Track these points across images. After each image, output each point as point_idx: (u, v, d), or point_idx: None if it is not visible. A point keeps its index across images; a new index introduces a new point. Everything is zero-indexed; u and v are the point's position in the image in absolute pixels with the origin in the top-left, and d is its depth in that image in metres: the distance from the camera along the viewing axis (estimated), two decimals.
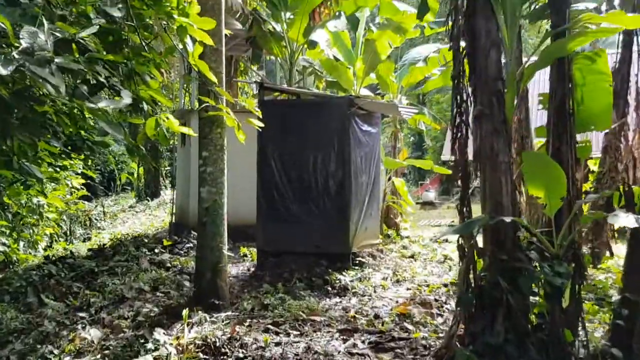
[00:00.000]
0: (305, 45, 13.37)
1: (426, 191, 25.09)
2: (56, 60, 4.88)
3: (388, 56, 13.48)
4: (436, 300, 7.09)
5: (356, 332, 6.02)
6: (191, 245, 10.98)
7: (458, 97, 5.56)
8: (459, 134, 5.59)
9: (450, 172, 16.28)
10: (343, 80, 13.41)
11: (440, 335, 5.79)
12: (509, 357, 4.58)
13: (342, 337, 5.87)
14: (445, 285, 7.88)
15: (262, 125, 6.67)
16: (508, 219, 4.77)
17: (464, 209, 5.54)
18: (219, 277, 6.94)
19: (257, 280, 8.49)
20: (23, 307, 7.82)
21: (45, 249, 14.09)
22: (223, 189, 7.15)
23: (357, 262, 8.84)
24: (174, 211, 14.28)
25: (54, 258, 10.90)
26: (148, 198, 24.20)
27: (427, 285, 8.00)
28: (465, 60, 5.50)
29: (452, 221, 20.04)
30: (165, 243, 10.58)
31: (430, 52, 14.00)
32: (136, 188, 26.78)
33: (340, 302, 7.40)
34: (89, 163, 16.82)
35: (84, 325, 6.46)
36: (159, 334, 5.90)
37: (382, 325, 6.23)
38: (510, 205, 5.14)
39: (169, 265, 9.30)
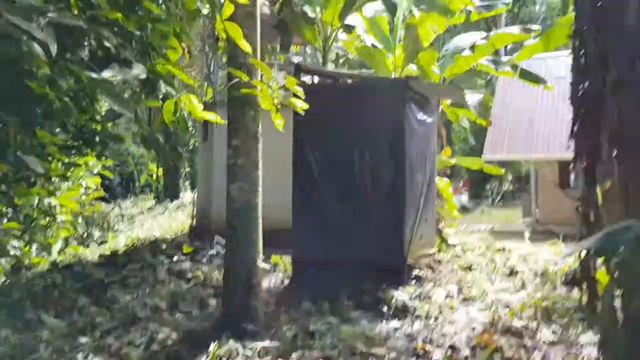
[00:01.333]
0: (341, 30, 11.94)
1: (459, 194, 23.46)
2: (49, 14, 3.51)
3: (431, 43, 11.98)
4: (525, 328, 5.58)
5: None
6: (214, 252, 9.58)
7: (582, 60, 4.08)
8: (583, 110, 4.11)
9: (501, 171, 14.76)
10: (380, 70, 11.91)
11: None
12: None
13: None
14: (529, 305, 6.34)
15: (305, 107, 5.30)
16: None
17: (590, 212, 4.07)
18: (253, 295, 5.52)
19: (293, 295, 7.04)
20: (21, 324, 6.50)
21: (59, 252, 12.92)
22: (257, 186, 5.74)
23: (413, 275, 7.34)
24: (195, 214, 12.95)
25: (60, 265, 9.59)
26: (167, 199, 23.01)
27: (506, 307, 6.47)
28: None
29: (492, 227, 18.48)
30: (185, 250, 9.18)
31: (478, 39, 12.46)
32: (155, 189, 25.64)
33: (401, 326, 5.92)
34: (105, 163, 15.65)
35: (85, 355, 5.10)
36: None
37: None
38: None
39: (189, 276, 7.91)
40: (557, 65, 18.36)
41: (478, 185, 30.55)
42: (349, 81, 7.89)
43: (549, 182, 16.91)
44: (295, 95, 5.43)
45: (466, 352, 5.14)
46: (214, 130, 11.67)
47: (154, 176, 26.00)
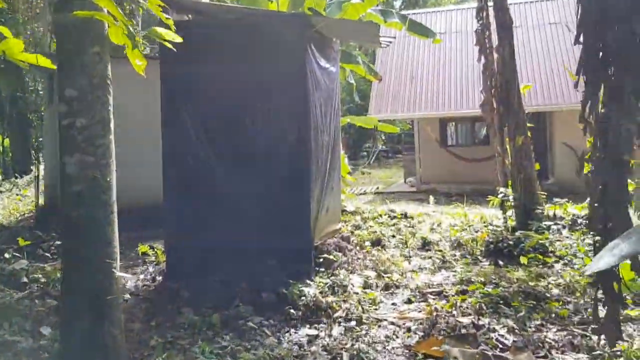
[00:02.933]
0: None
1: None
2: None
3: None
4: (474, 326, 4.28)
5: None
6: None
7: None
8: None
9: (397, 130, 13.67)
10: None
11: None
12: None
13: None
14: (464, 293, 5.08)
15: (178, 39, 3.55)
16: None
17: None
18: (109, 320, 3.63)
19: (169, 299, 5.21)
20: None
21: None
22: (108, 157, 3.79)
23: (321, 260, 5.81)
24: (44, 191, 10.41)
25: None
26: (16, 175, 19.46)
27: (437, 294, 5.16)
28: None
29: (377, 187, 17.60)
30: (22, 243, 6.85)
31: None
32: (1, 164, 21.77)
33: (317, 335, 4.38)
34: None
35: None
36: None
37: None
38: None
39: (25, 279, 5.72)
40: (438, 21, 17.65)
41: (351, 147, 29.91)
42: (234, 17, 5.99)
43: (432, 140, 16.25)
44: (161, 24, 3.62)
45: None
46: None
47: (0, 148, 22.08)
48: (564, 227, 7.42)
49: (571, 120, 14.43)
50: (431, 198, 10.14)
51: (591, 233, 6.93)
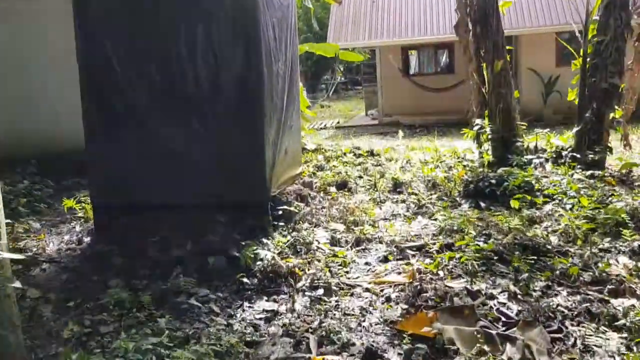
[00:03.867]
0: None
1: None
2: None
3: None
4: (468, 291, 3.46)
5: None
6: None
7: None
8: None
9: (361, 58, 12.53)
10: None
11: None
12: None
13: None
14: (449, 247, 4.24)
15: None
16: None
17: None
18: None
19: (96, 268, 4.22)
20: None
21: None
22: None
23: (280, 212, 4.85)
24: None
25: None
26: None
27: (420, 249, 4.32)
28: None
29: (338, 121, 16.63)
30: None
31: None
32: None
33: (276, 310, 3.50)
34: None
35: None
36: None
37: None
38: None
39: None
40: None
41: (309, 79, 28.56)
42: None
43: (394, 70, 15.18)
44: None
45: (394, 357, 2.90)
46: None
47: None
48: (547, 160, 6.67)
49: (537, 45, 13.63)
50: (400, 132, 9.21)
51: (579, 166, 6.25)
